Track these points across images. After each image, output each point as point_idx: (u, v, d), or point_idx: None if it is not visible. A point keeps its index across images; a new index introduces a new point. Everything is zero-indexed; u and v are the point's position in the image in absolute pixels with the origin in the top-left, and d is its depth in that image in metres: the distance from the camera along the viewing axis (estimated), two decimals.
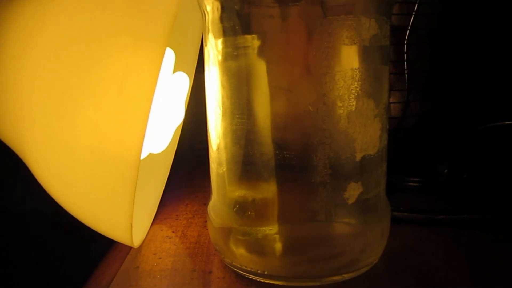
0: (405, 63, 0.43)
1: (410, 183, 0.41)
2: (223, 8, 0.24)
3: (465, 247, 0.30)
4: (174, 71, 0.36)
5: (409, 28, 0.42)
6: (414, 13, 0.42)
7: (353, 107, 0.24)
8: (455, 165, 0.35)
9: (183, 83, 0.36)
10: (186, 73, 0.37)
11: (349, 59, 0.24)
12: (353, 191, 0.25)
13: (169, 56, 0.34)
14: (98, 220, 0.28)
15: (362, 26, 0.23)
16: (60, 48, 0.26)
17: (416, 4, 0.41)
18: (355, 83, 0.23)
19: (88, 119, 0.25)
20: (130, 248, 0.31)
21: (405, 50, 0.43)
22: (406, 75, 0.43)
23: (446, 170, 0.35)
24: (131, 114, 0.24)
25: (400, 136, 0.45)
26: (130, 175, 0.24)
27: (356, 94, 0.23)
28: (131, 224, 0.26)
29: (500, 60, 0.50)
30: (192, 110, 0.42)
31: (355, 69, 0.23)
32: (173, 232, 0.34)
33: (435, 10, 0.44)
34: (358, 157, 0.24)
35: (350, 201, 0.25)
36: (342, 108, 0.23)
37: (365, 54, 0.24)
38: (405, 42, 0.42)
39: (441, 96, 0.48)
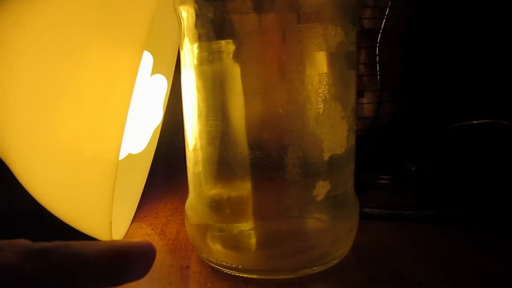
0: (378, 65, 0.45)
1: (381, 181, 0.43)
2: (197, 16, 0.25)
3: (430, 241, 0.32)
4: (153, 73, 0.37)
5: (381, 31, 0.44)
6: (385, 16, 0.43)
7: (321, 110, 0.25)
8: (423, 163, 0.37)
9: (161, 85, 0.37)
10: (165, 75, 0.38)
11: (317, 64, 0.25)
12: (321, 189, 0.26)
13: (147, 59, 0.35)
14: (79, 218, 0.29)
15: (328, 33, 0.25)
16: (40, 53, 0.26)
17: (388, 8, 0.43)
18: (323, 87, 0.25)
19: (68, 121, 0.25)
20: None
21: (377, 53, 0.44)
22: (378, 76, 0.45)
23: (413, 168, 0.37)
24: (110, 115, 0.25)
25: (374, 135, 0.47)
26: (109, 175, 0.25)
27: (323, 97, 0.25)
28: (111, 222, 0.27)
29: (469, 62, 0.53)
30: (172, 110, 0.43)
31: (323, 73, 0.25)
32: (152, 229, 0.35)
33: (406, 14, 0.46)
34: (326, 156, 0.26)
35: (319, 198, 0.26)
36: (311, 111, 0.25)
37: (332, 59, 0.25)
38: (377, 45, 0.44)
39: (412, 97, 0.50)
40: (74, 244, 0.16)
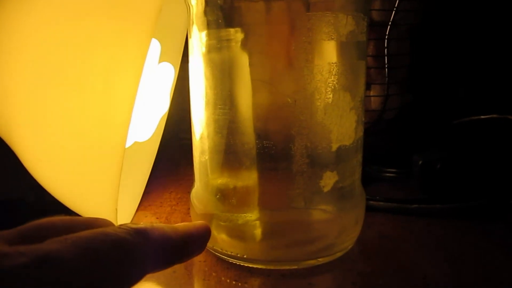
0: (386, 57, 0.44)
1: (387, 174, 0.43)
2: (207, 2, 0.25)
3: (436, 235, 0.32)
4: (160, 61, 0.37)
5: (390, 23, 0.43)
6: (395, 9, 0.43)
7: (330, 100, 0.25)
8: (429, 157, 0.37)
9: (168, 73, 0.37)
10: (172, 63, 0.38)
11: (327, 53, 0.25)
12: (328, 180, 0.26)
13: (155, 46, 0.35)
14: (84, 205, 0.29)
15: (339, 22, 0.24)
16: (48, 37, 0.26)
17: (397, 0, 0.43)
18: (332, 76, 0.25)
19: (76, 107, 0.25)
20: None
21: (385, 45, 0.44)
22: (386, 69, 0.45)
23: (420, 162, 0.37)
24: (117, 102, 0.25)
25: (380, 128, 0.46)
26: (116, 162, 0.25)
27: (333, 87, 0.25)
28: (116, 209, 0.27)
29: (477, 56, 0.52)
30: (178, 100, 0.42)
31: (332, 63, 0.25)
32: (157, 218, 0.35)
33: (416, 7, 0.45)
34: (334, 147, 0.26)
35: (326, 189, 0.26)
36: (319, 101, 0.25)
37: (342, 49, 0.25)
38: (386, 37, 0.44)
39: (420, 90, 0.50)
40: (159, 227, 0.20)
